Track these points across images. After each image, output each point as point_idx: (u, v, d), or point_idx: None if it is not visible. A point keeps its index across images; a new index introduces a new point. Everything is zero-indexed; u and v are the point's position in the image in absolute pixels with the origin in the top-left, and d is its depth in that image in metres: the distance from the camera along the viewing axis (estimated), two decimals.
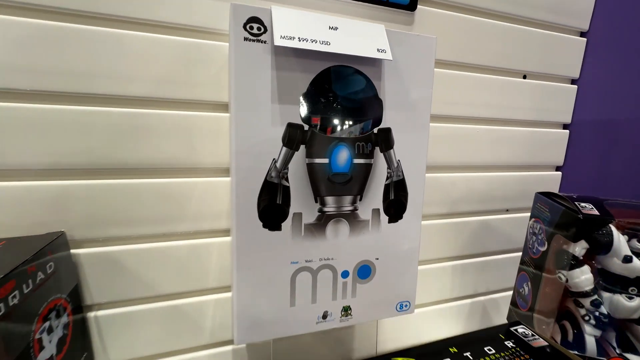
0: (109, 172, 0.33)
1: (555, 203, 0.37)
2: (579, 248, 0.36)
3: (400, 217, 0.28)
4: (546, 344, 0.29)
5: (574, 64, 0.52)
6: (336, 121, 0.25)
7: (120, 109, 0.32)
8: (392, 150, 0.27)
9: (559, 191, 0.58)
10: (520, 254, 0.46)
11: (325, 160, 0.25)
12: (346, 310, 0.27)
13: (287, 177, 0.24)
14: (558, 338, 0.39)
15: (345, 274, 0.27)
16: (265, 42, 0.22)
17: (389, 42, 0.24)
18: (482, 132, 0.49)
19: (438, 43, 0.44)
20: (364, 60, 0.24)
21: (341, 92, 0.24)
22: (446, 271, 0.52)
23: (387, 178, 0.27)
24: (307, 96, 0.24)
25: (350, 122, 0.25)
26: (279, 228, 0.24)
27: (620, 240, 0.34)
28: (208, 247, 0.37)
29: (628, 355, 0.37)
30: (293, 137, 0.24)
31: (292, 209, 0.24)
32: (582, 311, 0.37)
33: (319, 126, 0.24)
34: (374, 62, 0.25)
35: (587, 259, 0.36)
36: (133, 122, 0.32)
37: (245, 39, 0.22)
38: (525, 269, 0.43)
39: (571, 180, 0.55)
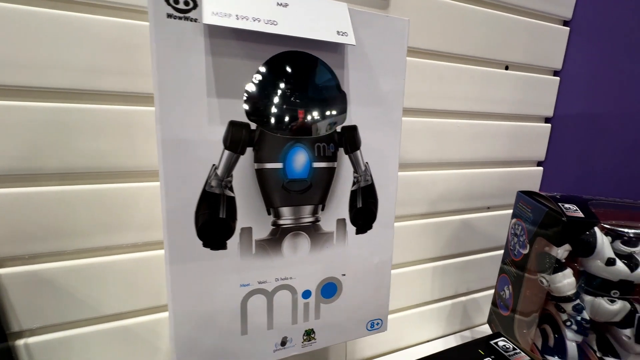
0: (32, 179, 0.28)
1: (538, 203, 0.35)
2: (562, 250, 0.34)
3: (370, 227, 0.24)
4: (528, 358, 0.27)
5: (557, 54, 0.50)
6: (290, 119, 0.21)
7: (42, 103, 0.27)
8: (358, 152, 0.23)
9: (540, 187, 0.57)
10: (501, 252, 0.44)
11: (279, 165, 0.21)
12: (309, 334, 0.24)
13: (231, 186, 0.20)
14: (539, 343, 0.37)
15: (306, 294, 0.23)
16: (195, 20, 0.18)
17: (353, 24, 0.21)
18: (462, 126, 0.46)
19: (416, 30, 0.41)
20: (323, 45, 0.20)
21: (296, 83, 0.20)
22: (426, 273, 0.49)
23: (354, 184, 0.23)
24: (254, 89, 0.19)
25: (308, 120, 0.21)
26: (223, 247, 0.20)
27: (603, 243, 0.33)
28: (159, 259, 0.33)
29: (608, 359, 0.36)
30: (237, 138, 0.20)
31: (240, 224, 0.21)
32: (564, 316, 0.35)
33: (269, 125, 0.20)
34: (335, 48, 0.21)
35: (570, 261, 0.34)
36: (58, 119, 0.27)
37: (169, 15, 0.17)
38: (507, 270, 0.42)
39: (552, 176, 0.54)
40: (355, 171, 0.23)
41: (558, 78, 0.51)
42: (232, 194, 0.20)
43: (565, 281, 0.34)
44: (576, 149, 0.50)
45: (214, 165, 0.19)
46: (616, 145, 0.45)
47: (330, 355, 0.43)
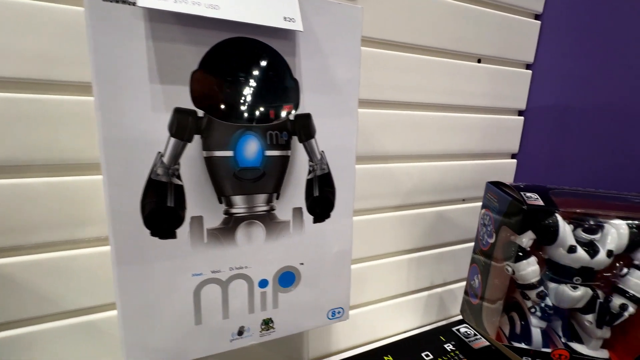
0: None
1: (503, 193, 0.35)
2: (526, 239, 0.34)
3: (328, 216, 0.25)
4: (487, 344, 0.27)
5: (529, 48, 0.51)
6: (240, 106, 0.20)
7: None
8: (313, 140, 0.23)
9: (515, 179, 0.58)
10: None
11: (229, 153, 0.21)
12: (267, 323, 0.24)
13: (178, 174, 0.20)
14: (507, 330, 0.38)
15: (263, 284, 0.23)
16: (134, 3, 0.17)
17: (304, 11, 0.21)
18: (435, 119, 0.46)
19: (386, 22, 0.41)
20: (272, 31, 0.20)
21: (245, 70, 0.20)
22: (402, 265, 0.50)
23: (310, 172, 0.23)
24: (200, 75, 0.19)
25: (259, 107, 0.21)
26: (172, 235, 0.20)
27: (565, 231, 0.33)
28: None
29: (573, 344, 0.36)
30: (183, 125, 0.19)
31: (190, 212, 0.20)
32: (529, 303, 0.36)
33: (217, 112, 0.20)
34: (286, 35, 0.21)
35: (535, 249, 0.35)
36: (12, 110, 0.26)
37: None
38: (477, 260, 0.42)
39: (526, 168, 0.55)
40: (311, 160, 0.23)
41: (530, 71, 0.52)
42: (180, 182, 0.20)
43: (529, 269, 0.35)
44: (548, 141, 0.50)
45: (159, 152, 0.19)
46: (587, 137, 0.46)
47: (304, 347, 0.43)
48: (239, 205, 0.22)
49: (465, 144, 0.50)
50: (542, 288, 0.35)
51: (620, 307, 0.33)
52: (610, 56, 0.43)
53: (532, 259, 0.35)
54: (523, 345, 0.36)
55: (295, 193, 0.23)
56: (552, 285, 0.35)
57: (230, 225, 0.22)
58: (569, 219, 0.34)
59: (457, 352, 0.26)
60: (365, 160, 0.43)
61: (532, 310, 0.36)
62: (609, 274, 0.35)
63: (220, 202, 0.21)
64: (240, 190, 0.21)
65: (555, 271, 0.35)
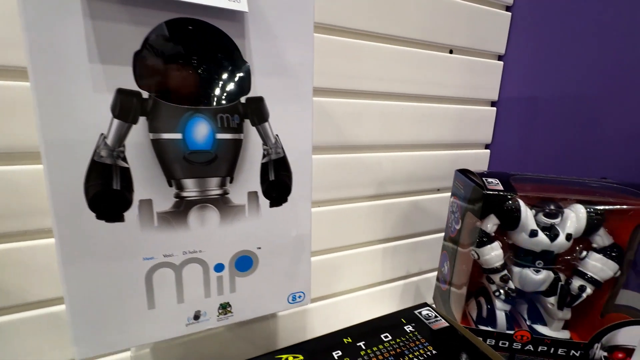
0: None
1: (468, 180, 0.36)
2: (491, 225, 0.35)
3: (285, 200, 0.25)
4: (446, 325, 0.28)
5: (500, 39, 0.52)
6: (187, 88, 0.20)
7: None
8: (267, 124, 0.23)
9: (488, 169, 0.59)
10: None
11: (177, 136, 0.21)
12: (225, 307, 0.24)
13: (124, 156, 0.19)
14: (474, 314, 0.39)
15: (219, 268, 0.23)
16: None
17: None
18: (407, 109, 0.47)
19: (356, 11, 0.41)
20: (218, 12, 0.20)
21: (191, 51, 0.20)
22: (376, 254, 0.50)
23: (264, 156, 0.23)
24: (143, 55, 0.19)
25: (208, 90, 0.21)
26: (120, 219, 0.20)
27: (527, 215, 0.34)
28: None
29: (537, 326, 0.38)
30: (127, 106, 0.19)
31: (138, 195, 0.20)
32: (493, 287, 0.37)
33: (163, 94, 0.20)
34: (234, 16, 0.21)
35: (500, 235, 0.36)
36: None
37: None
38: (446, 247, 0.43)
39: (499, 159, 0.56)
40: (265, 143, 0.23)
41: (502, 62, 0.52)
42: (125, 165, 0.20)
43: (493, 253, 0.35)
44: (520, 132, 0.51)
45: (102, 134, 0.19)
46: (556, 126, 0.47)
47: (277, 335, 0.44)
48: (191, 188, 0.22)
49: (438, 134, 0.50)
50: (505, 272, 0.36)
51: (579, 289, 0.35)
52: (579, 47, 0.44)
53: (496, 244, 0.35)
54: (489, 328, 0.36)
55: (249, 177, 0.23)
56: (516, 269, 0.36)
57: (181, 208, 0.22)
58: (530, 204, 0.35)
59: (416, 333, 0.26)
60: (337, 150, 0.43)
61: (497, 294, 0.36)
62: (570, 257, 0.36)
63: (170, 186, 0.21)
64: (192, 173, 0.21)
65: (519, 255, 0.36)
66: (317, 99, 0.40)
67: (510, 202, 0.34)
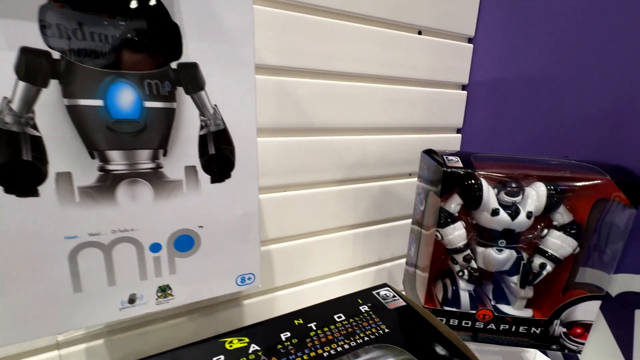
0: None
1: (431, 159, 0.35)
2: (454, 204, 0.35)
3: (228, 176, 0.23)
4: (403, 304, 0.27)
5: (469, 21, 0.51)
6: (107, 49, 0.19)
7: None
8: (203, 93, 0.21)
9: None
10: None
11: (98, 102, 0.19)
12: (164, 290, 0.23)
13: (34, 123, 0.18)
14: (440, 296, 0.39)
15: (155, 248, 0.22)
16: None
17: None
18: (376, 91, 0.46)
19: None
20: None
21: (111, 8, 0.18)
22: (348, 239, 0.50)
23: (202, 128, 0.22)
24: (52, 9, 0.17)
25: (131, 52, 0.19)
26: (34, 193, 0.18)
27: (489, 195, 0.34)
28: None
29: (500, 306, 0.38)
30: (34, 67, 0.17)
31: (54, 168, 0.18)
32: (457, 267, 0.36)
33: (78, 55, 0.18)
34: None
35: (464, 215, 0.36)
36: None
37: None
38: (413, 230, 0.43)
39: (471, 142, 0.55)
40: (202, 114, 0.22)
41: (472, 45, 0.52)
42: (36, 133, 0.18)
43: (456, 233, 0.35)
44: (491, 115, 0.51)
45: (5, 98, 0.17)
46: (526, 108, 0.47)
47: (247, 323, 0.42)
48: (117, 161, 0.20)
49: (408, 117, 0.49)
50: (468, 251, 0.35)
51: (540, 267, 0.35)
52: (546, 29, 0.44)
53: (459, 224, 0.35)
54: (453, 309, 0.36)
55: (186, 150, 0.22)
56: (479, 249, 0.36)
57: (107, 183, 0.20)
58: (493, 183, 0.34)
59: (370, 312, 0.25)
60: (303, 132, 0.42)
61: (460, 274, 0.36)
62: (532, 236, 0.36)
63: (93, 157, 0.19)
64: (118, 144, 0.20)
65: (482, 235, 0.36)
66: (281, 79, 0.39)
67: (472, 181, 0.33)
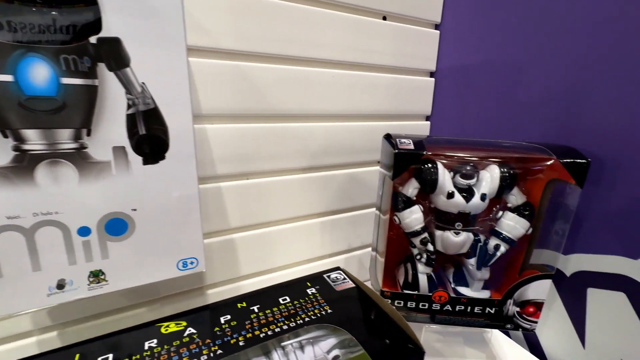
0: None
1: (388, 144, 0.35)
2: (412, 189, 0.35)
3: (162, 157, 0.23)
4: (351, 286, 0.27)
5: (435, 7, 0.51)
6: (15, 20, 0.18)
7: None
8: (128, 70, 0.21)
9: None
10: None
11: (7, 78, 0.18)
12: (97, 275, 0.22)
13: None
14: (402, 280, 0.39)
15: (84, 232, 0.21)
16: None
17: None
18: (339, 77, 0.45)
19: None
20: None
21: None
22: (315, 228, 0.49)
23: (130, 106, 0.21)
24: None
25: (43, 24, 0.18)
26: None
27: (445, 178, 0.34)
28: None
29: (460, 288, 0.38)
30: None
31: None
32: (415, 251, 0.37)
33: None
34: None
35: (422, 199, 0.36)
36: None
37: None
38: (375, 215, 0.43)
39: (440, 130, 0.56)
40: (129, 92, 0.21)
41: (438, 32, 0.52)
42: None
43: (413, 216, 0.35)
44: (459, 102, 0.51)
45: None
46: (491, 94, 0.47)
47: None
48: (34, 140, 0.19)
49: (375, 104, 0.49)
50: (425, 235, 0.35)
51: (494, 248, 0.35)
52: (509, 14, 0.44)
53: (416, 207, 0.35)
54: (412, 292, 0.37)
55: (112, 130, 0.21)
56: (437, 232, 0.36)
57: (25, 163, 0.19)
58: (450, 167, 0.35)
59: (317, 295, 0.25)
60: (262, 119, 0.41)
61: (418, 257, 0.36)
62: (488, 218, 0.36)
63: (6, 137, 0.18)
64: (33, 123, 0.19)
65: (440, 218, 0.36)
66: (239, 63, 0.38)
67: (429, 164, 0.33)
